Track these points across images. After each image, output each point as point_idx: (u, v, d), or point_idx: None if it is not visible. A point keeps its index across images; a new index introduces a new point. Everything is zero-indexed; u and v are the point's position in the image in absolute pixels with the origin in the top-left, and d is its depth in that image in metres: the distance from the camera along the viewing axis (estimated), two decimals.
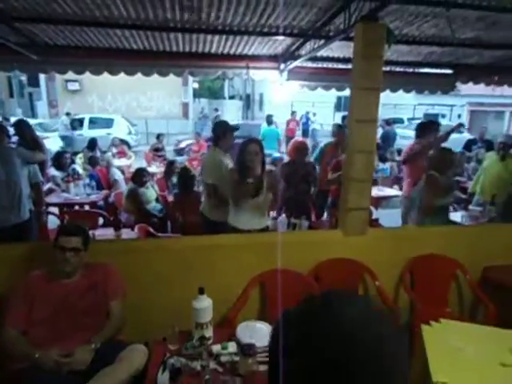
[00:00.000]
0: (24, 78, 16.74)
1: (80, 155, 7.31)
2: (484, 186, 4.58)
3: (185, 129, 17.38)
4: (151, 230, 3.87)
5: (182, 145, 11.44)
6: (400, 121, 16.48)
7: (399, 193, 5.22)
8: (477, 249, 2.94)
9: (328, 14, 3.13)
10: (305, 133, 13.86)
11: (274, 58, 4.70)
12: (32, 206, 3.45)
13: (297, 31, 3.70)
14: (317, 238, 2.93)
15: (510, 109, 19.22)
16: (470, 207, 4.41)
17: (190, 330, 1.88)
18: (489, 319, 2.49)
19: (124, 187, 5.48)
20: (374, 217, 4.40)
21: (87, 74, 4.53)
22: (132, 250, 2.56)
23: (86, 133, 12.43)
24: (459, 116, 20.25)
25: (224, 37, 3.83)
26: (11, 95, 18.15)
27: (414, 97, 13.69)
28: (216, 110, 20.30)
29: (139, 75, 4.62)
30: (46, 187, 5.13)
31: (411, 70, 5.18)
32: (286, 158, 4.95)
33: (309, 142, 8.12)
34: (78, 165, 6.57)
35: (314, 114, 15.15)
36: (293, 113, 12.97)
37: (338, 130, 5.06)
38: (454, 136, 4.30)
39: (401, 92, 5.52)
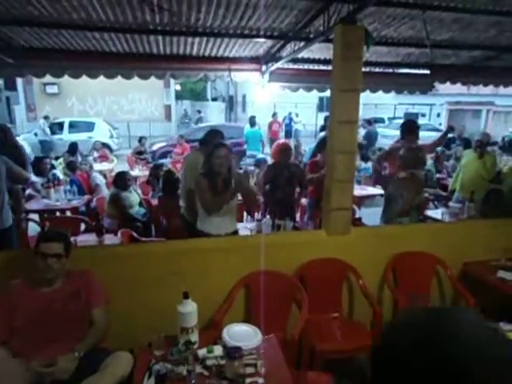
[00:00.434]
0: (0, 81, 16.31)
1: (60, 160, 7.17)
2: (463, 183, 4.69)
3: (168, 131, 17.25)
4: (135, 234, 3.83)
5: (154, 147, 11.33)
6: (381, 120, 16.75)
7: (381, 191, 5.30)
8: (457, 245, 3.01)
9: (308, 16, 3.16)
10: (288, 133, 13.91)
11: (255, 59, 4.72)
12: (11, 213, 3.36)
13: (277, 33, 3.72)
14: (301, 239, 2.95)
15: (487, 107, 19.75)
16: (450, 204, 4.52)
17: (176, 334, 1.87)
18: None
19: (106, 192, 5.40)
20: (356, 216, 4.45)
21: (66, 77, 4.46)
22: (115, 256, 2.52)
23: (67, 137, 12.21)
24: (438, 115, 20.70)
25: (205, 39, 3.83)
26: None
27: (395, 96, 13.93)
28: (199, 111, 20.23)
29: (119, 78, 4.57)
30: (25, 193, 5.01)
31: (390, 70, 5.27)
32: (270, 160, 4.96)
33: (292, 142, 8.17)
34: (59, 170, 6.44)
35: (297, 115, 15.23)
36: (274, 114, 12.92)
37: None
38: (432, 134, 4.40)
39: (381, 92, 5.62)
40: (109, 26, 3.39)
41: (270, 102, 14.52)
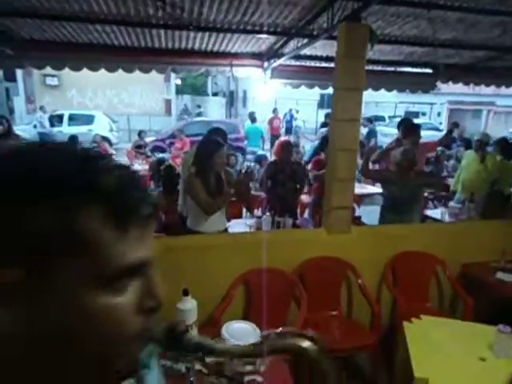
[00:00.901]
0: (0, 73, 16.22)
1: None
2: (464, 183, 4.69)
3: (167, 125, 17.22)
4: None
5: (147, 140, 11.19)
6: (381, 118, 16.75)
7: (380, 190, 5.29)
8: (456, 246, 3.01)
9: (312, 12, 3.14)
10: (288, 130, 13.89)
11: (257, 55, 4.69)
12: None
13: (280, 29, 3.70)
14: (301, 237, 2.94)
15: (487, 108, 19.75)
16: (451, 204, 4.52)
17: None
18: (467, 314, 2.56)
19: None
20: (356, 214, 4.45)
21: (66, 69, 4.43)
22: None
23: (66, 129, 12.16)
24: (439, 114, 20.70)
25: (207, 34, 3.80)
26: None
27: (395, 95, 13.90)
28: (199, 106, 20.17)
29: (120, 71, 4.54)
30: None
31: (393, 68, 5.25)
32: (271, 157, 4.95)
33: (292, 139, 8.15)
34: None
35: (298, 112, 15.21)
36: (275, 110, 12.79)
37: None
38: (432, 133, 4.38)
39: (383, 90, 5.60)
40: (111, 18, 3.36)
41: (270, 98, 14.51)
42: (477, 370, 1.80)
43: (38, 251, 0.36)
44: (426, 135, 8.02)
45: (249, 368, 1.69)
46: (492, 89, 6.22)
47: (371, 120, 11.37)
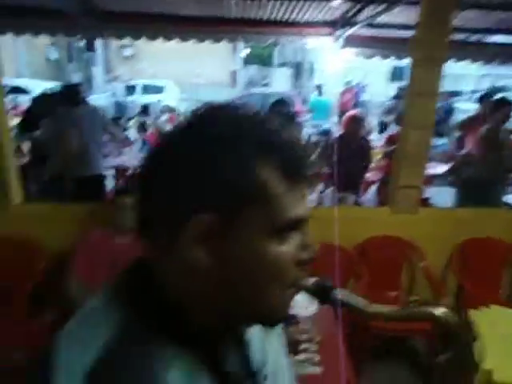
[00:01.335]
0: (82, 43, 17.34)
1: (133, 121, 7.58)
2: None
3: (232, 97, 17.38)
4: None
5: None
6: (460, 93, 15.35)
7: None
8: None
9: None
10: (356, 104, 13.27)
11: (329, 24, 4.50)
12: None
13: None
14: (364, 214, 2.88)
15: None
16: None
17: None
18: None
19: None
20: (425, 195, 4.22)
21: (140, 41, 4.62)
22: None
23: (139, 99, 12.79)
24: None
25: (278, 2, 3.72)
26: (70, 60, 18.92)
27: (479, 67, 12.60)
28: (264, 77, 20.01)
29: (191, 42, 4.63)
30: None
31: (480, 37, 4.76)
32: (339, 131, 4.80)
33: (360, 113, 7.81)
34: (132, 130, 6.82)
35: (367, 85, 14.47)
36: (348, 82, 11.93)
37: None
38: None
39: (465, 62, 5.11)
40: None
41: (339, 69, 13.92)
42: None
43: (231, 200, 0.42)
44: None
45: (304, 336, 1.74)
46: None
47: (447, 94, 10.48)
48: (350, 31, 4.31)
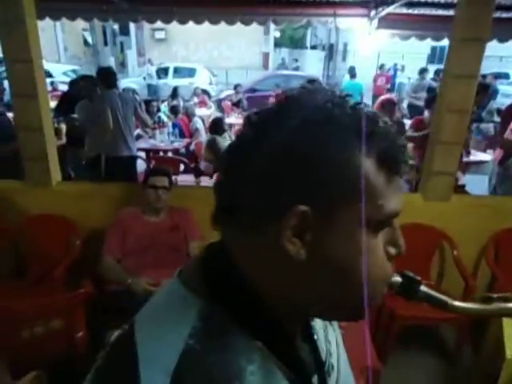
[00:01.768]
0: (116, 26, 17.61)
1: (165, 103, 7.68)
2: None
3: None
4: None
5: (222, 95, 11.16)
6: (505, 76, 14.48)
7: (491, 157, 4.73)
8: None
9: None
10: (391, 87, 12.79)
11: (363, 4, 4.34)
12: None
13: None
14: None
15: None
16: None
17: None
18: None
19: (204, 136, 5.70)
20: (460, 182, 4.08)
21: (173, 23, 4.64)
22: (210, 197, 2.71)
23: (171, 81, 12.92)
24: None
25: None
26: (105, 44, 19.31)
27: None
28: (296, 60, 19.65)
29: (223, 24, 4.61)
30: (135, 133, 5.55)
31: None
32: None
33: (394, 96, 7.57)
34: (163, 113, 6.92)
35: (403, 67, 13.91)
36: (381, 66, 11.26)
37: None
38: None
39: (511, 42, 4.82)
40: None
41: (373, 52, 13.41)
42: None
43: (331, 193, 0.41)
44: None
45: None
46: None
47: (488, 77, 9.91)
48: (385, 11, 4.14)
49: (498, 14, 4.29)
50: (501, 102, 9.16)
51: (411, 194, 3.35)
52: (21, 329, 1.68)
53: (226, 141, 4.98)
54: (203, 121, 6.70)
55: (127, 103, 3.65)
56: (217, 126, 4.91)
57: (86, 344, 1.98)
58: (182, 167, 4.95)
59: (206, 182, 3.96)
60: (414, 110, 7.32)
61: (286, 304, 0.46)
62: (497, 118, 6.58)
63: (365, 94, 9.70)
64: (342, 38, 19.27)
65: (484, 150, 5.58)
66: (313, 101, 0.43)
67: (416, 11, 4.43)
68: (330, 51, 20.16)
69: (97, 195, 2.66)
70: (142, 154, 5.37)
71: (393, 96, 5.01)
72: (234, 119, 7.57)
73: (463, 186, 4.07)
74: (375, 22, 4.47)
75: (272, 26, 14.42)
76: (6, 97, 6.49)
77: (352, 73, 9.38)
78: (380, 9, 4.24)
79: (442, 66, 2.75)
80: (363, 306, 0.45)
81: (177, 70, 14.02)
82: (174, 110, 6.61)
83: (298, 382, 0.47)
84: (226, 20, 4.55)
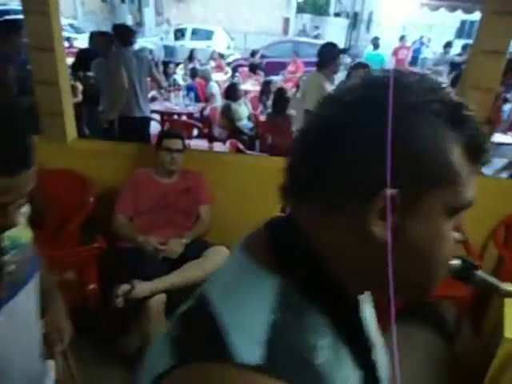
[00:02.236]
0: None
1: (181, 66, 7.56)
2: None
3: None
4: (241, 146, 4.03)
5: (229, 59, 10.89)
6: None
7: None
8: None
9: None
10: (414, 61, 12.28)
11: None
12: None
13: None
14: None
15: None
16: None
17: None
18: None
19: (220, 102, 5.64)
20: None
21: None
22: (222, 163, 2.72)
23: (188, 44, 12.65)
24: None
25: None
26: (123, 1, 18.81)
27: None
28: (317, 27, 18.93)
29: None
30: (150, 94, 5.51)
31: None
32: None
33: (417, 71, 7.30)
34: (179, 75, 6.83)
35: (429, 40, 13.33)
36: (402, 38, 10.58)
37: None
38: None
39: None
40: None
41: (399, 22, 12.83)
42: None
43: (420, 177, 0.42)
44: None
45: None
46: None
47: None
48: None
49: None
50: None
51: None
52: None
53: (240, 107, 4.92)
54: (219, 86, 6.61)
55: (142, 63, 3.61)
56: (232, 92, 4.84)
57: (96, 296, 2.07)
58: (195, 132, 4.94)
59: (219, 147, 3.95)
60: None
61: (361, 283, 0.49)
62: None
63: (387, 65, 9.37)
64: (367, 6, 18.47)
65: (505, 132, 5.41)
66: (408, 86, 0.44)
67: None
68: (354, 20, 19.41)
69: (111, 154, 2.68)
70: (157, 116, 5.36)
71: (414, 70, 4.85)
72: (250, 86, 7.43)
73: None
74: None
75: None
76: None
77: (375, 43, 9.05)
78: None
79: (470, 41, 2.63)
80: (432, 285, 0.48)
81: (195, 32, 13.68)
82: (192, 73, 6.51)
83: (358, 355, 0.49)
84: None
